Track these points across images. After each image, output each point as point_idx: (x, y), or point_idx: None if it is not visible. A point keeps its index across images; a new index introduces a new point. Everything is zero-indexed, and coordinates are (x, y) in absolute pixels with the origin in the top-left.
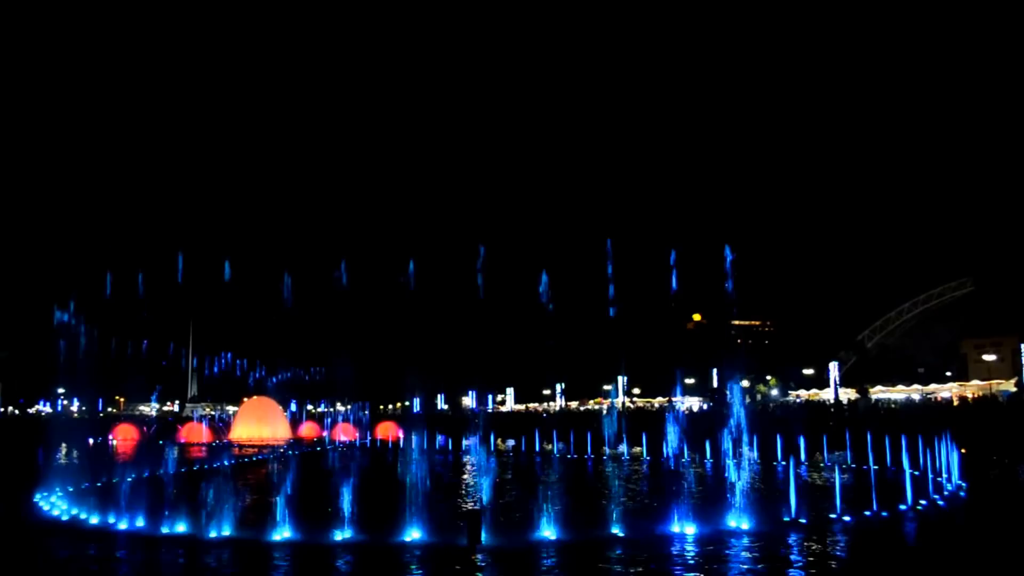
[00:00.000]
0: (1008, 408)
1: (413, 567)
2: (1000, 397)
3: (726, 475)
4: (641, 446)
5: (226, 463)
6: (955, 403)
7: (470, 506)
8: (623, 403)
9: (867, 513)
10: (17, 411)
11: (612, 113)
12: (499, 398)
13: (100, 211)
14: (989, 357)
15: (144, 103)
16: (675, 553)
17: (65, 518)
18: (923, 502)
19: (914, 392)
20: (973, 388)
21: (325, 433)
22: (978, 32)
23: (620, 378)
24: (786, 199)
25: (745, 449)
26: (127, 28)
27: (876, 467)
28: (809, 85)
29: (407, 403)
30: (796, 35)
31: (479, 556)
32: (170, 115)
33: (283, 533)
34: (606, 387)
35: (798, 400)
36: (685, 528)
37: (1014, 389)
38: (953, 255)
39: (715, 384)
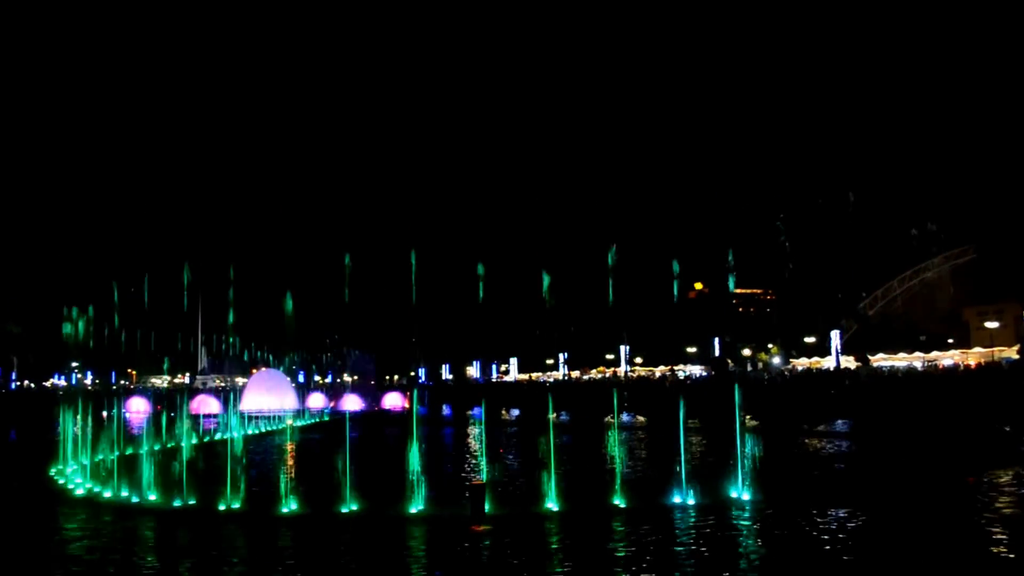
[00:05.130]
0: (1010, 375)
1: (418, 537)
2: (1003, 364)
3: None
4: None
5: (236, 435)
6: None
7: (474, 478)
8: (625, 372)
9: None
10: (33, 385)
11: (612, 85)
12: (503, 368)
13: (110, 189)
14: (991, 324)
15: (151, 90)
16: (678, 521)
17: (80, 492)
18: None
19: (916, 360)
20: (975, 355)
21: (333, 403)
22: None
23: (622, 347)
24: (787, 167)
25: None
26: (133, 25)
27: (878, 435)
28: (810, 52)
29: (413, 373)
30: (794, 4)
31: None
32: (177, 102)
33: (291, 506)
34: (608, 356)
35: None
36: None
37: (1016, 356)
38: (955, 222)
39: (716, 352)
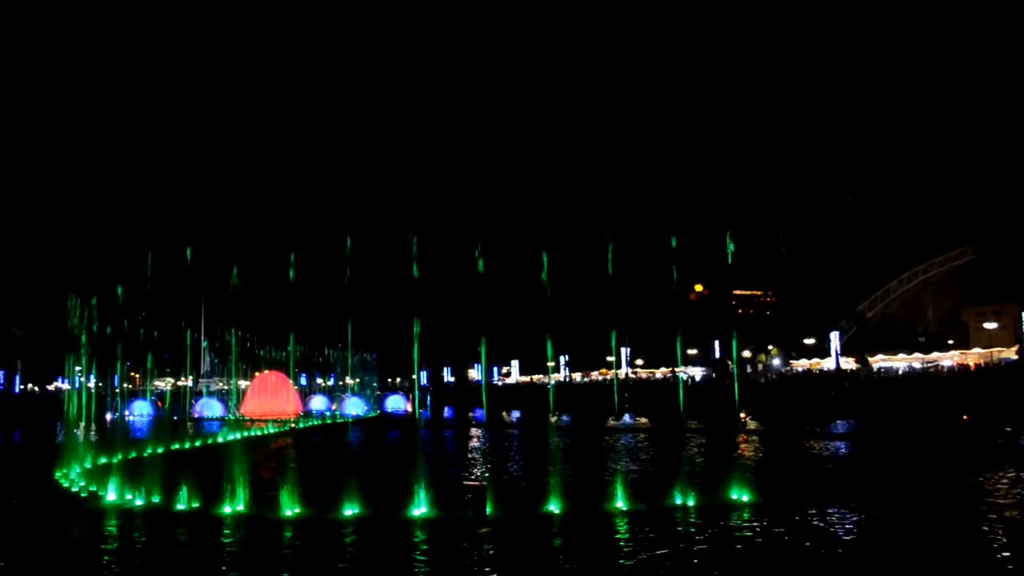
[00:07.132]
0: (1009, 375)
1: (420, 541)
2: (1001, 364)
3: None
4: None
5: (238, 437)
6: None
7: (476, 480)
8: (626, 374)
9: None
10: (37, 388)
11: (611, 87)
12: (504, 370)
13: (111, 190)
14: (990, 325)
15: (153, 84)
16: (679, 522)
17: (83, 495)
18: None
19: (915, 361)
20: (974, 356)
21: (334, 406)
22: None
23: (623, 349)
24: (786, 167)
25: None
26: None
27: (880, 436)
28: (807, 55)
29: (414, 376)
30: (791, 5)
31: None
32: (176, 100)
33: (294, 510)
34: (609, 358)
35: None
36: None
37: (1015, 356)
38: (954, 223)
39: (717, 354)
